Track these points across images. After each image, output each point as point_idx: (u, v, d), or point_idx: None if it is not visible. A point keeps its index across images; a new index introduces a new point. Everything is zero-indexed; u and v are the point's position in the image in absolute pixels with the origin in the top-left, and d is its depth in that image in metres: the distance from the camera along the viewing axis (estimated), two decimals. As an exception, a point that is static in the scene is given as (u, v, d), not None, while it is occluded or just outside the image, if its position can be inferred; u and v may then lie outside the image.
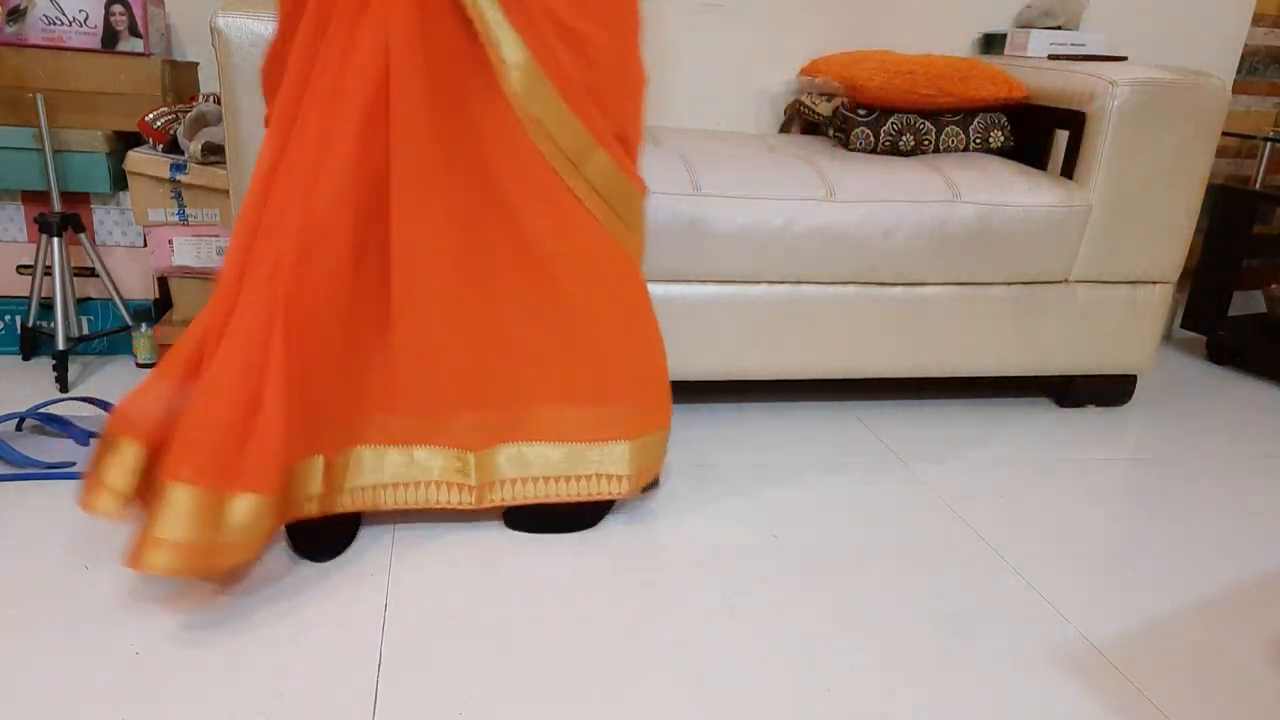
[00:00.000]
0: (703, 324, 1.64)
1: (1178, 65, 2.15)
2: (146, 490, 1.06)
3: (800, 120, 2.13)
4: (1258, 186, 2.36)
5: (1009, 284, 1.75)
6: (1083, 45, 2.09)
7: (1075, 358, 1.84)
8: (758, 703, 1.00)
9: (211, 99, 1.81)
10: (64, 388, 1.68)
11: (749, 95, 2.20)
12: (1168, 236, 1.79)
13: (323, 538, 1.20)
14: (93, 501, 1.06)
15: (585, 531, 1.31)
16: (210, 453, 1.02)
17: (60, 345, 1.66)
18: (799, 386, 1.90)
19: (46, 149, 1.67)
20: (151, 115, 1.71)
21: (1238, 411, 1.98)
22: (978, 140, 1.84)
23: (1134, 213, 1.75)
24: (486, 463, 1.22)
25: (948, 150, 1.84)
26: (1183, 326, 2.35)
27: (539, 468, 1.22)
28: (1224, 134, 2.48)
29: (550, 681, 1.01)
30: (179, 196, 1.70)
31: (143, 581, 1.12)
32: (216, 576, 1.12)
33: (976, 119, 1.84)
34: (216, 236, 1.73)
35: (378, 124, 1.08)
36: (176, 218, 1.71)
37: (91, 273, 1.81)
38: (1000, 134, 1.85)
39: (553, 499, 1.23)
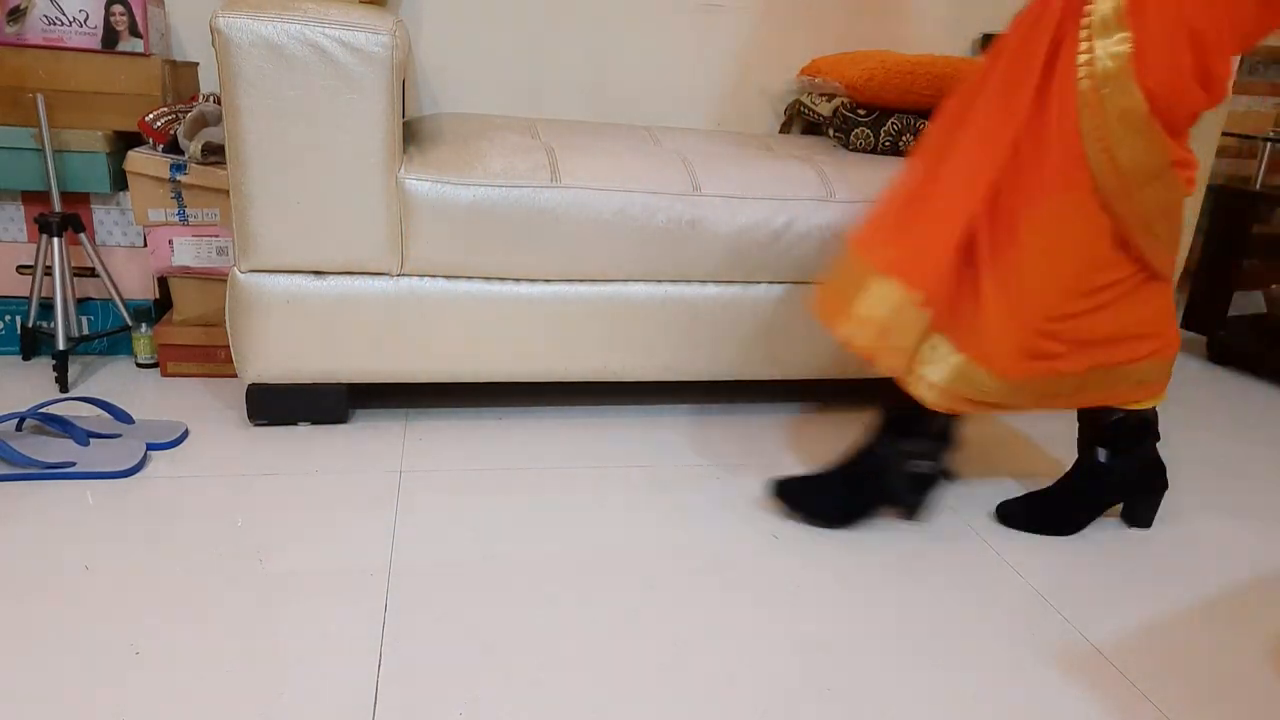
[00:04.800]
0: (704, 325, 1.64)
1: (1178, 65, 2.14)
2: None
3: (800, 120, 2.14)
4: (1258, 187, 2.36)
5: (1009, 284, 1.75)
6: (1083, 45, 2.08)
7: (1075, 358, 1.84)
8: (757, 703, 0.99)
9: (211, 99, 1.81)
10: (64, 388, 1.68)
11: (749, 95, 2.20)
12: (1168, 236, 1.79)
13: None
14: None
15: (598, 530, 1.31)
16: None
17: (60, 345, 1.66)
18: (799, 387, 1.90)
19: (46, 149, 1.67)
20: (151, 115, 1.71)
21: (1238, 411, 1.98)
22: (978, 140, 1.84)
23: (1134, 213, 1.75)
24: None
25: (948, 150, 1.84)
26: (1183, 326, 2.35)
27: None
28: (1224, 134, 2.48)
29: (550, 683, 1.01)
30: (179, 196, 1.70)
31: (142, 582, 1.13)
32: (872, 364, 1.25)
33: (976, 119, 1.83)
34: (216, 236, 1.73)
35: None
36: (176, 218, 1.71)
37: (91, 273, 1.81)
38: (1000, 134, 1.85)
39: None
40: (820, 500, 1.37)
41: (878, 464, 1.36)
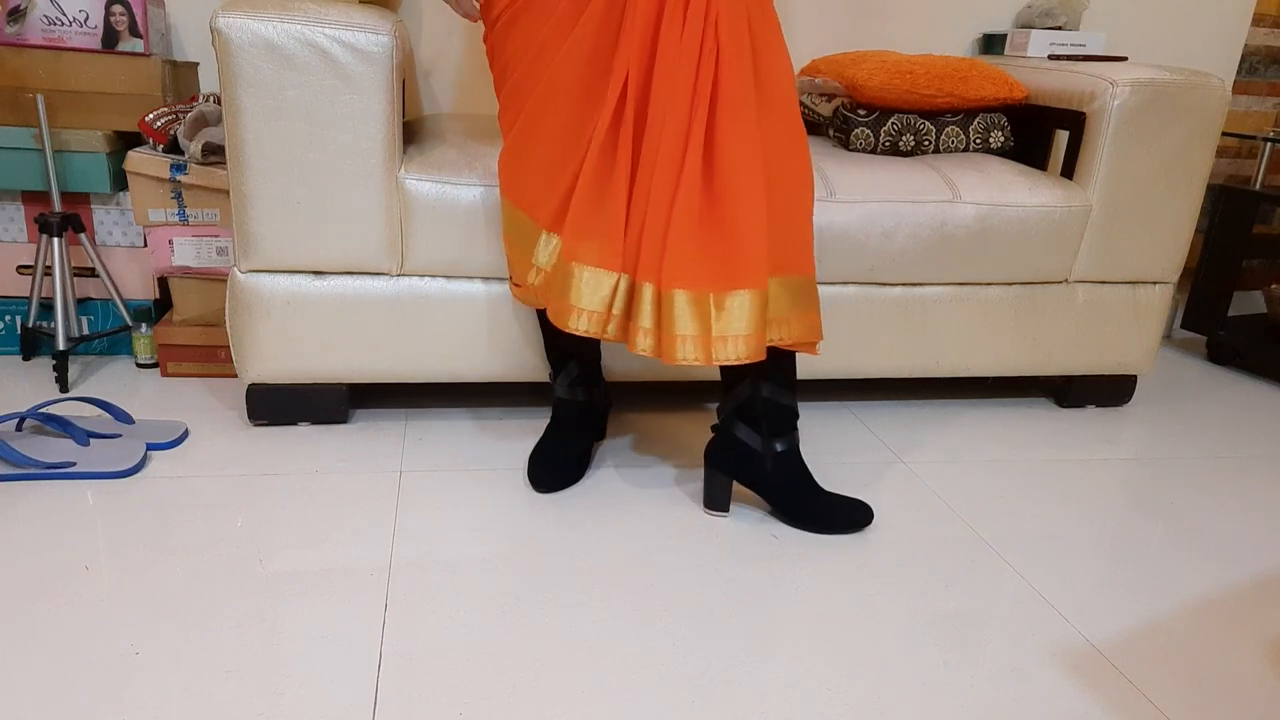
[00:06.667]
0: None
1: (1178, 65, 2.15)
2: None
3: (800, 120, 2.13)
4: (1258, 186, 2.36)
5: (1009, 284, 1.75)
6: (1083, 45, 2.09)
7: (1075, 358, 1.84)
8: (757, 702, 1.00)
9: (211, 99, 1.81)
10: (64, 388, 1.68)
11: (749, 95, 2.19)
12: (1168, 236, 1.79)
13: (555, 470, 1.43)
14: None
15: (598, 517, 1.31)
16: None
17: (60, 345, 1.66)
18: (799, 386, 1.90)
19: (46, 149, 1.67)
20: (151, 115, 1.71)
21: (1238, 411, 1.98)
22: (978, 140, 1.84)
23: (1134, 213, 1.75)
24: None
25: (948, 150, 1.84)
26: (1183, 326, 2.35)
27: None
28: (1224, 134, 2.48)
29: (551, 683, 1.01)
30: (179, 196, 1.70)
31: (142, 582, 1.13)
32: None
33: (976, 119, 1.84)
34: (216, 236, 1.73)
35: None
36: (176, 218, 1.71)
37: (91, 273, 1.81)
38: (1000, 134, 1.85)
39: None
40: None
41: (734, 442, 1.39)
